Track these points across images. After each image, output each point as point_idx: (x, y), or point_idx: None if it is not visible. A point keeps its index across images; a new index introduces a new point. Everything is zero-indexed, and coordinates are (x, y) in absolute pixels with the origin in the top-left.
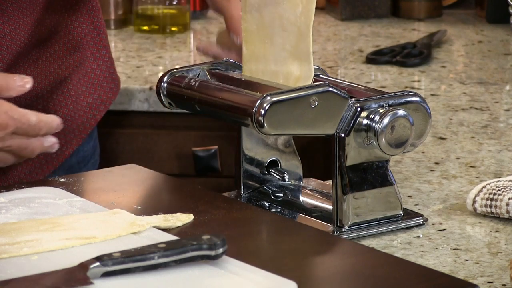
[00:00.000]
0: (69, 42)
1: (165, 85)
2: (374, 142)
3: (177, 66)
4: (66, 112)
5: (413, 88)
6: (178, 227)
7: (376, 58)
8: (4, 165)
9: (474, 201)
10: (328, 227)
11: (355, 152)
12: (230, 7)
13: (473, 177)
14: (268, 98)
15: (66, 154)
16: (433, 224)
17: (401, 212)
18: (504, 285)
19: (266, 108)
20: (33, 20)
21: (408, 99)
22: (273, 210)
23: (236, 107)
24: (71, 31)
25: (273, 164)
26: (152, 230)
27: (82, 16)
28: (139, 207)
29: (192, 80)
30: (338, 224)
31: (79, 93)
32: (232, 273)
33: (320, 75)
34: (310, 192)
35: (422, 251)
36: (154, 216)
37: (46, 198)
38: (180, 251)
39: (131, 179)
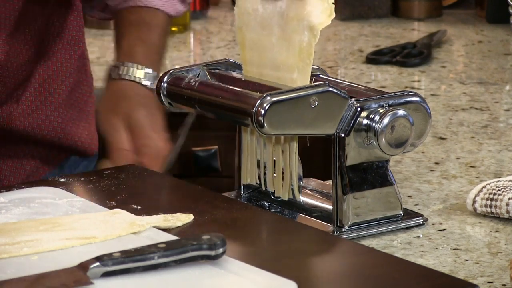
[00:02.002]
0: (63, 66)
1: (165, 85)
2: (374, 142)
3: (177, 66)
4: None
5: (413, 88)
6: (178, 227)
7: (376, 58)
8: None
9: (474, 201)
10: (328, 227)
11: (355, 152)
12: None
13: (473, 177)
14: (268, 98)
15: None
16: (433, 224)
17: (401, 212)
18: (504, 285)
19: (266, 108)
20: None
21: (408, 99)
22: (273, 210)
23: (236, 107)
24: (62, 55)
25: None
26: (152, 230)
27: (66, 43)
28: (139, 207)
29: (192, 80)
30: (338, 224)
31: (73, 119)
32: (232, 273)
33: (320, 75)
34: (310, 192)
35: (422, 251)
36: (154, 216)
37: (46, 198)
38: (180, 251)
39: (131, 179)
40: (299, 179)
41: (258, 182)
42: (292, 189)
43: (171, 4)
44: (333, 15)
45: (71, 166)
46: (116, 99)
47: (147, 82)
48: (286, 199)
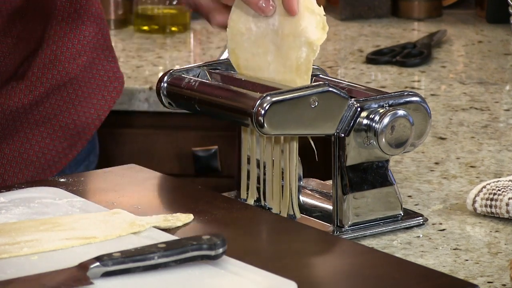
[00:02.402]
0: (74, 47)
1: (165, 85)
2: (374, 142)
3: (177, 66)
4: (69, 116)
5: (413, 88)
6: (178, 227)
7: (376, 58)
8: None
9: (474, 201)
10: (328, 227)
11: (355, 152)
12: None
13: (473, 177)
14: (268, 98)
15: (70, 157)
16: (433, 224)
17: (401, 212)
18: (504, 285)
19: (266, 108)
20: (41, 28)
21: (408, 99)
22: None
23: (236, 107)
24: (76, 36)
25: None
26: (152, 230)
27: (87, 20)
28: (139, 207)
29: (192, 80)
30: (338, 224)
31: (84, 95)
32: (232, 273)
33: (320, 75)
34: (310, 192)
35: (422, 251)
36: (154, 216)
37: (46, 198)
38: (180, 251)
39: (131, 179)
40: (299, 179)
41: (258, 182)
42: (292, 206)
43: None
44: (327, 28)
45: (72, 167)
46: None
47: None
48: (286, 215)
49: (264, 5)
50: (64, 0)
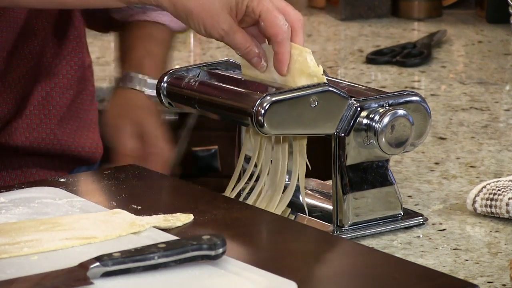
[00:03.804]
0: (61, 81)
1: (165, 85)
2: (374, 142)
3: (177, 66)
4: (74, 149)
5: (413, 88)
6: (178, 227)
7: (376, 58)
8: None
9: (474, 201)
10: (328, 227)
11: (355, 152)
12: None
13: (473, 177)
14: (268, 97)
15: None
16: (433, 224)
17: (401, 212)
18: (504, 285)
19: (266, 108)
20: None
21: (408, 99)
22: None
23: (236, 107)
24: (64, 68)
25: None
26: (152, 230)
27: (72, 51)
28: (139, 207)
29: (192, 80)
30: (338, 224)
31: (86, 126)
32: (232, 273)
33: None
34: (310, 192)
35: (422, 251)
36: (154, 216)
37: (46, 198)
38: (180, 251)
39: (131, 179)
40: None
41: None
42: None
43: (176, 20)
44: (324, 79)
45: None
46: (127, 106)
47: (153, 93)
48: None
49: (256, 62)
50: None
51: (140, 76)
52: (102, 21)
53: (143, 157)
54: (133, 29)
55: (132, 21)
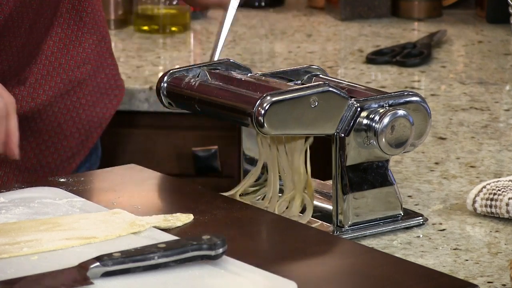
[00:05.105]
0: (79, 55)
1: (165, 85)
2: (374, 142)
3: (177, 66)
4: (73, 125)
5: (413, 88)
6: (178, 227)
7: (376, 58)
8: None
9: (474, 201)
10: (328, 227)
11: (355, 152)
12: None
13: (473, 177)
14: (268, 98)
15: (73, 166)
16: (433, 224)
17: (401, 212)
18: (504, 285)
19: (266, 108)
20: (41, 36)
21: (408, 99)
22: None
23: (236, 107)
24: (78, 46)
25: None
26: (152, 230)
27: (91, 28)
28: (139, 207)
29: (192, 80)
30: (338, 224)
31: (88, 104)
32: (232, 273)
33: (320, 75)
34: None
35: (422, 251)
36: (154, 216)
37: (46, 198)
38: (180, 251)
39: (131, 179)
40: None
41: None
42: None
43: None
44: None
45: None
46: None
47: None
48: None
49: None
50: (70, 7)
51: None
52: None
53: None
54: None
55: None
